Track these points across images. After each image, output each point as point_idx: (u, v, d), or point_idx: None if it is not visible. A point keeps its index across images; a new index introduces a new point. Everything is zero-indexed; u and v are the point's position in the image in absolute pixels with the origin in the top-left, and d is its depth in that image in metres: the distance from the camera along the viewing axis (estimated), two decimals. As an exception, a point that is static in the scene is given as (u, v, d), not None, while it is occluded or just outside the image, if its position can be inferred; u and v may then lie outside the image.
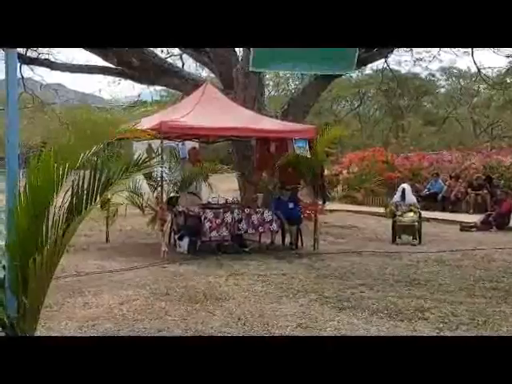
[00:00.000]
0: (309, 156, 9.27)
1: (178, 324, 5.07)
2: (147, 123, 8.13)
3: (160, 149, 8.41)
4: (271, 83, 29.93)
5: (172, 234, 9.59)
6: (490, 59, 41.58)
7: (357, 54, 4.31)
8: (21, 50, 14.13)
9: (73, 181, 2.93)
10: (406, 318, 5.29)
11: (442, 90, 38.58)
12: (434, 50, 20.87)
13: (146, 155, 8.78)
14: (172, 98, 26.90)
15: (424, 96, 37.21)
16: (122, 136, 3.57)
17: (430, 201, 15.84)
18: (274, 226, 9.33)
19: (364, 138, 34.19)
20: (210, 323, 5.09)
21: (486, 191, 15.10)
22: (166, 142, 9.01)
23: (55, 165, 2.78)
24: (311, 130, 9.78)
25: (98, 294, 6.15)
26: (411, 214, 10.49)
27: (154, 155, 8.93)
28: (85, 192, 2.95)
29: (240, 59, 12.28)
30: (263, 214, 9.22)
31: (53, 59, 15.06)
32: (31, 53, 15.04)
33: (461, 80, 36.17)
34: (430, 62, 40.43)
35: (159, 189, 8.79)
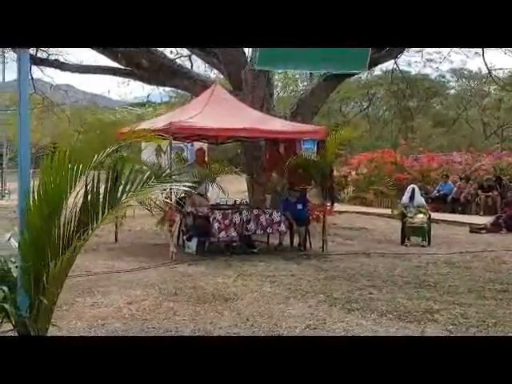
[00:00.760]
0: (315, 157, 9.27)
1: (187, 324, 5.07)
2: (156, 124, 8.15)
3: (169, 150, 8.43)
4: (280, 84, 29.89)
5: (181, 234, 9.61)
6: (501, 60, 41.32)
7: (369, 54, 4.29)
8: (31, 51, 14.22)
9: (90, 182, 2.92)
10: (416, 319, 5.26)
11: (452, 92, 38.40)
12: (445, 51, 20.80)
13: (155, 156, 8.84)
14: (181, 99, 26.99)
15: (434, 97, 37.05)
16: (134, 138, 3.57)
17: (439, 202, 15.76)
18: (283, 227, 9.32)
19: (373, 139, 34.09)
20: (218, 323, 5.09)
21: (496, 193, 15.01)
22: (174, 142, 9.03)
23: (69, 165, 2.79)
24: (321, 130, 9.77)
25: (107, 294, 6.17)
26: (421, 215, 10.44)
27: (162, 156, 8.98)
28: (101, 197, 2.95)
29: (249, 60, 12.28)
30: (271, 214, 9.21)
31: (62, 60, 15.16)
32: (41, 54, 15.14)
33: (471, 81, 35.99)
34: (441, 63, 40.15)
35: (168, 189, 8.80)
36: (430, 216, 10.69)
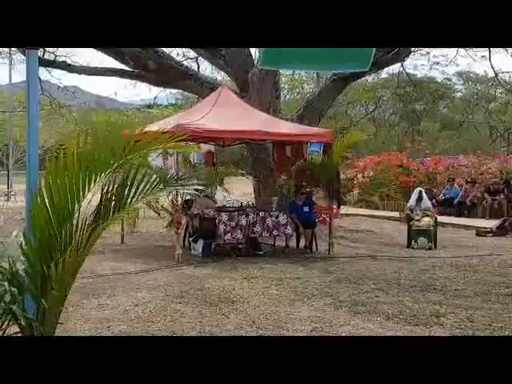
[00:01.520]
0: (322, 160, 9.27)
1: (193, 326, 5.08)
2: (163, 126, 8.16)
3: (175, 152, 8.44)
4: (286, 87, 29.91)
5: (187, 236, 9.62)
6: (508, 64, 41.19)
7: (373, 52, 4.27)
8: (39, 53, 14.29)
9: (103, 185, 2.92)
10: (422, 322, 5.24)
11: (459, 95, 38.36)
12: (451, 55, 20.78)
13: (162, 158, 8.85)
14: (187, 101, 27.07)
15: (440, 100, 36.99)
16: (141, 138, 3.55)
17: (445, 206, 15.72)
18: (289, 230, 9.31)
19: (379, 142, 34.05)
20: (224, 326, 5.09)
21: (502, 196, 14.95)
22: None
23: (77, 166, 2.78)
24: (328, 133, 9.76)
25: (112, 296, 6.18)
26: (427, 218, 10.42)
27: (170, 160, 8.99)
28: (113, 199, 2.94)
29: (256, 62, 12.30)
30: (278, 217, 9.20)
31: (70, 62, 15.23)
32: (48, 55, 15.22)
33: (477, 84, 35.91)
34: (447, 66, 40.17)
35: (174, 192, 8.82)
36: (436, 219, 10.68)
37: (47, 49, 15.68)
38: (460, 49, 16.89)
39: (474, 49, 17.58)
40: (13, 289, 2.80)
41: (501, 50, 15.78)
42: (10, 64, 23.82)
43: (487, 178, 16.35)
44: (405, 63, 17.77)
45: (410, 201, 10.93)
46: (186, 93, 23.56)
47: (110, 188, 2.95)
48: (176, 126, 8.29)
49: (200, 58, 16.09)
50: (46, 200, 2.80)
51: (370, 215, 15.79)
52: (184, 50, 16.76)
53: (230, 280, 7.04)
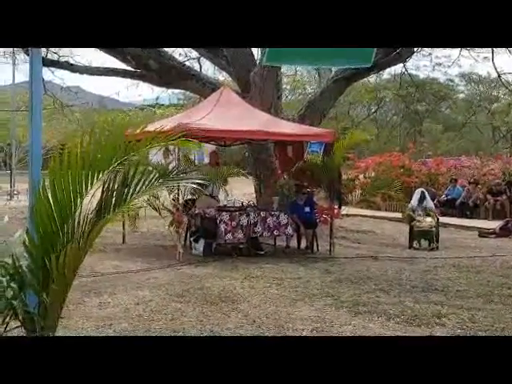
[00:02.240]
0: (321, 160, 9.28)
1: (194, 325, 5.07)
2: (165, 125, 8.15)
3: (176, 150, 8.45)
4: (288, 87, 29.91)
5: (188, 236, 9.62)
6: (510, 65, 41.15)
7: (375, 49, 4.27)
8: (42, 53, 14.30)
9: (104, 184, 2.93)
10: (423, 323, 5.23)
11: (461, 96, 38.30)
12: (453, 55, 20.79)
13: (162, 156, 8.85)
14: (189, 101, 27.09)
15: (443, 101, 36.95)
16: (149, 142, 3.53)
17: (448, 207, 15.70)
18: (290, 230, 9.31)
19: (381, 143, 34.03)
20: (225, 325, 5.09)
21: (505, 197, 14.93)
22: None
23: (82, 167, 2.79)
24: (329, 133, 9.76)
25: (114, 294, 6.18)
26: (429, 219, 10.41)
27: (171, 158, 8.98)
28: (114, 195, 2.95)
29: (258, 62, 12.30)
30: (279, 217, 9.20)
31: (72, 62, 15.23)
32: (51, 55, 15.24)
33: (480, 85, 35.88)
34: (449, 67, 40.07)
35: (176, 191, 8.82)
36: (438, 220, 10.66)
37: (50, 49, 15.73)
38: (463, 50, 16.87)
39: (477, 50, 17.56)
40: (14, 286, 2.83)
41: (503, 50, 15.75)
42: (14, 64, 23.89)
43: (490, 179, 16.32)
44: (407, 64, 17.77)
45: (412, 201, 10.91)
46: (188, 93, 23.59)
47: (111, 185, 2.96)
48: (177, 126, 8.31)
49: (202, 58, 16.09)
50: (50, 197, 2.82)
51: (372, 216, 15.77)
52: (186, 50, 16.77)
53: (231, 279, 7.03)
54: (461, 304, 5.96)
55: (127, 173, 3.01)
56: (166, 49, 13.31)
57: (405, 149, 23.33)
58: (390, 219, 14.74)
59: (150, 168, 3.35)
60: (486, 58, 18.35)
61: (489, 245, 10.81)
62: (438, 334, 4.91)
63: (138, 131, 3.29)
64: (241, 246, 9.11)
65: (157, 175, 3.05)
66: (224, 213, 8.96)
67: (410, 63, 26.19)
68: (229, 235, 8.82)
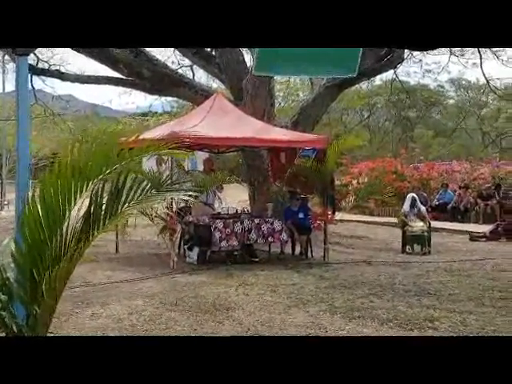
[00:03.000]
0: (312, 164, 9.32)
1: (188, 334, 5.06)
2: (158, 133, 8.19)
3: (170, 159, 8.46)
4: (281, 94, 29.99)
5: (182, 244, 9.61)
6: (498, 71, 41.56)
7: (359, 57, 4.29)
8: (32, 62, 14.29)
9: (93, 193, 2.90)
10: (416, 327, 5.25)
11: (451, 102, 38.60)
12: (443, 62, 20.96)
13: (156, 164, 8.87)
14: (182, 109, 27.10)
15: (433, 107, 37.21)
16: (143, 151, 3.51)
17: (439, 211, 15.80)
18: (284, 236, 9.32)
19: (374, 148, 34.17)
20: (219, 333, 5.08)
21: (495, 201, 15.05)
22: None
23: (71, 176, 2.77)
24: (322, 139, 9.80)
25: (107, 305, 6.14)
26: (421, 223, 10.49)
27: (164, 166, 9.00)
28: (103, 206, 2.92)
29: (250, 70, 12.35)
30: (273, 223, 9.22)
31: (63, 70, 15.24)
32: (42, 64, 15.24)
33: (469, 91, 36.18)
34: (439, 73, 40.46)
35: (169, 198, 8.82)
36: (430, 224, 10.73)
37: (41, 57, 15.73)
38: (452, 56, 17.04)
39: (466, 56, 17.76)
40: (2, 297, 2.79)
41: (491, 56, 15.93)
42: (3, 73, 23.85)
43: (480, 183, 16.46)
44: (398, 70, 17.90)
45: (404, 206, 10.98)
46: (181, 101, 23.59)
47: (99, 194, 2.93)
48: (170, 134, 8.33)
49: (195, 65, 16.15)
50: (38, 206, 2.79)
51: (365, 221, 15.83)
52: (179, 57, 16.82)
53: (225, 287, 7.03)
54: (453, 307, 5.99)
55: (117, 181, 2.98)
56: (158, 56, 13.36)
57: (397, 154, 23.45)
58: (383, 224, 14.80)
59: (142, 177, 3.32)
60: (474, 64, 18.56)
61: (480, 248, 10.88)
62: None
63: (130, 140, 3.28)
64: (235, 254, 9.11)
65: (149, 185, 3.02)
66: (218, 220, 8.97)
67: (400, 70, 26.43)
68: (223, 242, 8.82)
